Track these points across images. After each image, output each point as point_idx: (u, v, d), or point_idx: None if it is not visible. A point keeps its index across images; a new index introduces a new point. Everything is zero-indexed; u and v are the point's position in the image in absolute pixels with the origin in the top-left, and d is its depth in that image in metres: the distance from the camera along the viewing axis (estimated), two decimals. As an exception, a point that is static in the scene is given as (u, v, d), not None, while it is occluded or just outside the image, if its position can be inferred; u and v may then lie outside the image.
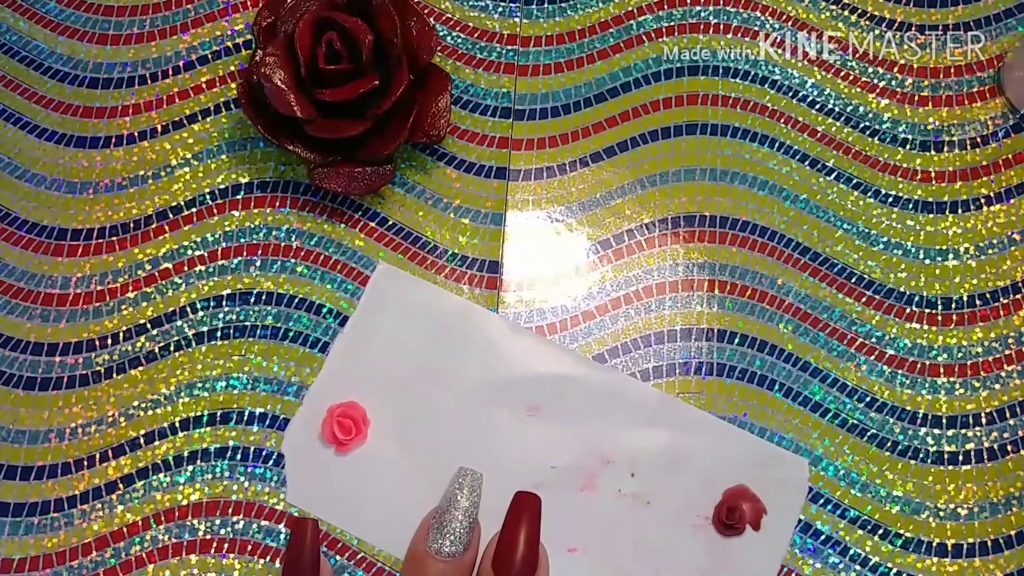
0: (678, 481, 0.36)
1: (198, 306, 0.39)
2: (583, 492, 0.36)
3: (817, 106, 0.42)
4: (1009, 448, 0.37)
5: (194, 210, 0.41)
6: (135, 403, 0.38)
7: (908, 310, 0.39)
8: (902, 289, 0.39)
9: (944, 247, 0.40)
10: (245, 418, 0.38)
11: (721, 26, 0.43)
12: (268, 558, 0.36)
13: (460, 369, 0.38)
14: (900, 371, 0.38)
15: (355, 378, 0.38)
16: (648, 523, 0.36)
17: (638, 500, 0.36)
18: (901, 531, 0.36)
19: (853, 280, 0.39)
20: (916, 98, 0.42)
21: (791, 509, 0.36)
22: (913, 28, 0.43)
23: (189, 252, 0.40)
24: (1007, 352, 0.38)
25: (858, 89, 0.42)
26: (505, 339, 0.38)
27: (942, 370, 0.38)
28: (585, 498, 0.36)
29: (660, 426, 0.37)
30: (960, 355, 0.38)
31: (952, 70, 0.42)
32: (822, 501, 0.36)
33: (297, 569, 0.33)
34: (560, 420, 0.37)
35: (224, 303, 0.39)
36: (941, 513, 0.36)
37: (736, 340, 0.39)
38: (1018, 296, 0.39)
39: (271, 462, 0.37)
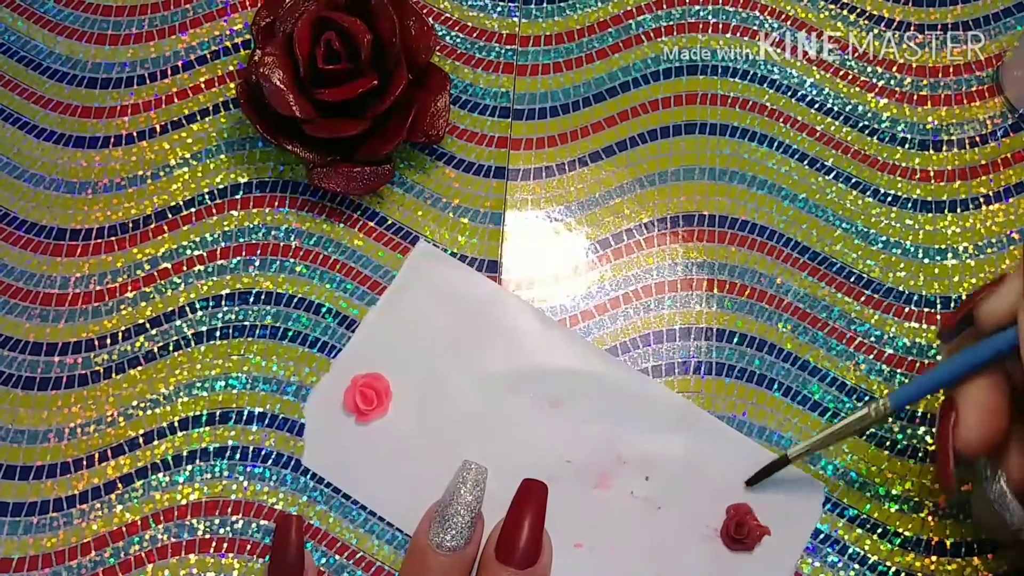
0: (691, 490, 0.36)
1: (197, 306, 0.39)
2: (596, 489, 0.36)
3: (816, 105, 0.42)
4: (1008, 447, 0.37)
5: (193, 210, 0.41)
6: (134, 403, 0.38)
7: (907, 309, 0.39)
8: (901, 288, 0.39)
9: (943, 246, 0.40)
10: (244, 418, 0.38)
11: (720, 25, 0.43)
12: (267, 558, 0.36)
13: (487, 354, 0.38)
14: (899, 370, 0.38)
15: (383, 350, 0.38)
16: (657, 528, 0.36)
17: (649, 504, 0.36)
18: (900, 530, 0.36)
19: (852, 279, 0.39)
20: (915, 97, 0.42)
21: (801, 532, 0.36)
22: (912, 27, 0.43)
23: (188, 252, 0.40)
24: (1006, 351, 0.38)
25: (857, 88, 0.42)
26: (535, 330, 0.38)
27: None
28: (597, 495, 0.36)
29: (680, 433, 0.37)
30: (959, 354, 0.38)
31: (951, 69, 0.42)
32: (821, 500, 0.36)
33: (282, 564, 0.34)
34: (581, 416, 0.37)
35: (223, 303, 0.39)
36: (940, 512, 0.36)
37: (735, 339, 0.39)
38: (1017, 295, 0.39)
39: (270, 462, 0.37)
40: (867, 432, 0.37)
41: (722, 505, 0.36)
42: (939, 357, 0.38)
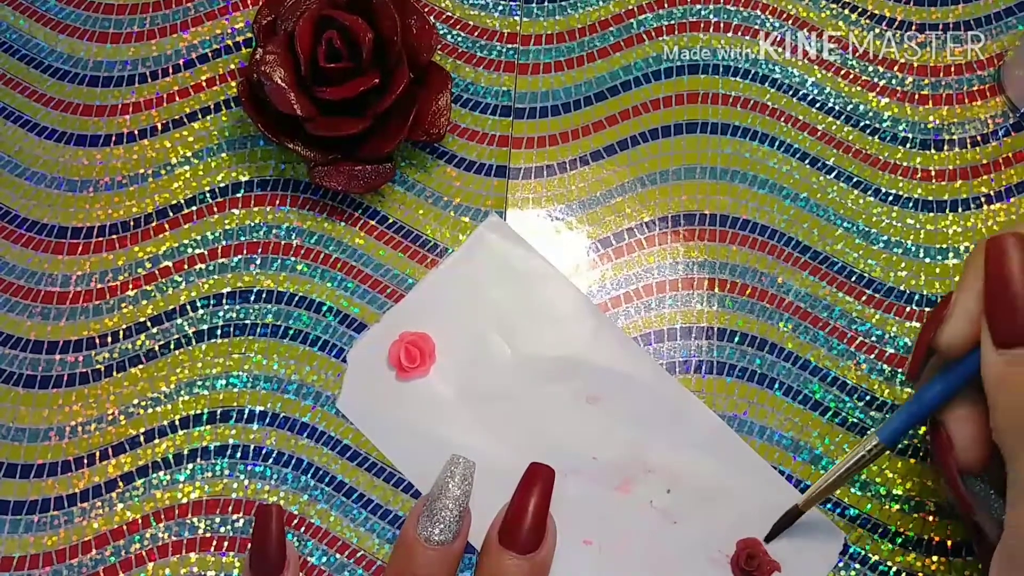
0: (710, 512, 0.36)
1: (198, 304, 0.39)
2: (616, 491, 0.36)
3: (817, 105, 0.42)
4: (1009, 447, 0.37)
5: (194, 208, 0.41)
6: (135, 401, 0.38)
7: (908, 309, 0.39)
8: (902, 288, 0.39)
9: (944, 246, 0.40)
10: (245, 416, 0.38)
11: (721, 24, 0.43)
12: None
13: (536, 337, 0.38)
14: (900, 370, 0.38)
15: (435, 313, 0.39)
16: (669, 541, 0.36)
17: (666, 516, 0.36)
18: (901, 530, 0.36)
19: (853, 279, 0.39)
20: (916, 97, 0.42)
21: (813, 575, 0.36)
22: (913, 27, 0.43)
23: (189, 250, 0.40)
24: (1007, 351, 0.38)
25: (858, 88, 0.42)
26: (588, 324, 0.38)
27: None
28: (616, 497, 0.36)
29: (712, 455, 0.37)
30: (960, 354, 0.38)
31: (952, 69, 0.42)
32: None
33: (263, 555, 0.34)
34: (616, 417, 0.37)
35: (224, 301, 0.39)
36: (941, 512, 0.36)
37: (736, 339, 0.39)
38: (1018, 295, 0.39)
39: (271, 460, 0.37)
40: (866, 433, 0.37)
41: (737, 534, 0.36)
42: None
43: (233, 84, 0.43)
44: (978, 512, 0.31)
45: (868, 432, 0.36)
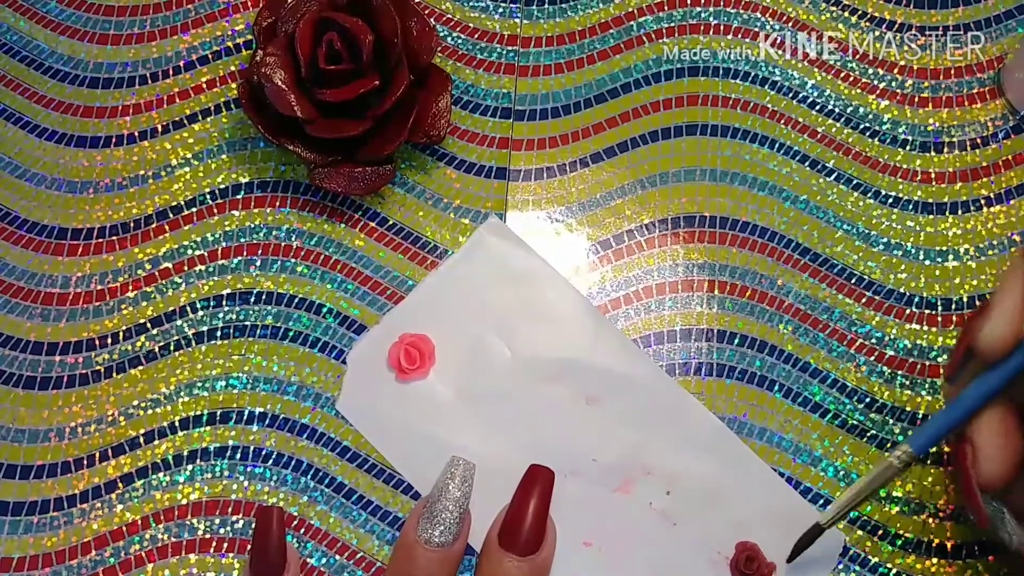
0: (710, 513, 0.36)
1: (198, 306, 0.39)
2: (616, 493, 0.36)
3: (817, 107, 0.42)
4: (1009, 449, 0.37)
5: (194, 210, 0.41)
6: (135, 402, 0.38)
7: (908, 311, 0.39)
8: (902, 290, 0.39)
9: (944, 248, 0.40)
10: (245, 418, 0.38)
11: (721, 27, 0.43)
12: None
13: (535, 338, 0.38)
14: (900, 372, 0.38)
15: (435, 314, 0.39)
16: (668, 543, 0.36)
17: (665, 518, 0.36)
18: (901, 532, 0.36)
19: (853, 281, 0.39)
20: (916, 99, 0.42)
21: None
22: (913, 29, 0.43)
23: (189, 252, 0.40)
24: (1007, 353, 0.38)
25: (858, 90, 0.42)
26: (587, 325, 0.38)
27: (942, 371, 0.38)
28: (616, 499, 0.36)
29: (711, 456, 0.37)
30: (960, 356, 0.38)
31: (952, 71, 0.42)
32: (822, 502, 0.36)
33: (264, 556, 0.33)
34: (615, 418, 0.37)
35: (224, 303, 0.39)
36: (941, 514, 0.36)
37: (736, 340, 0.39)
38: (1018, 297, 0.39)
39: (271, 462, 0.37)
40: (866, 435, 0.37)
41: (737, 536, 0.36)
42: (940, 359, 0.38)
43: (233, 86, 0.43)
44: (991, 529, 0.30)
45: (899, 443, 0.35)
